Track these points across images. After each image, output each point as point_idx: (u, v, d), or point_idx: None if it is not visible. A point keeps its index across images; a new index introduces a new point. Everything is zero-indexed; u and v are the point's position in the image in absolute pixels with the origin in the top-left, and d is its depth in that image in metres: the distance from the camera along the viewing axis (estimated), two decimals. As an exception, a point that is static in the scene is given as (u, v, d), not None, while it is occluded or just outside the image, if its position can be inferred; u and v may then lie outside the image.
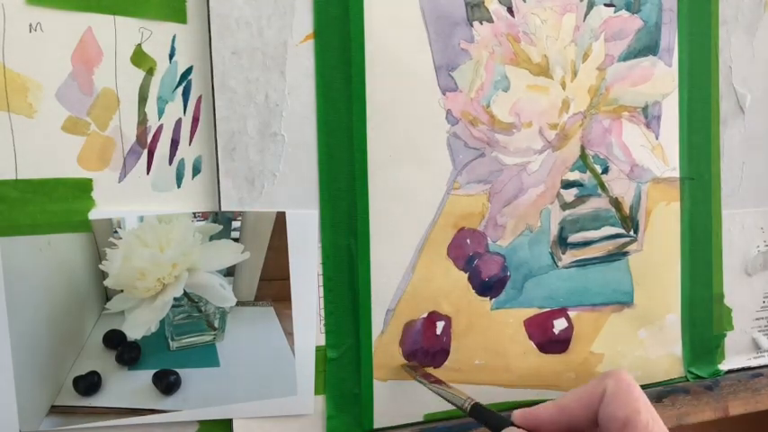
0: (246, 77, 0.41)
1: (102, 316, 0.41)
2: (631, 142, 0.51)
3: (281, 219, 0.43)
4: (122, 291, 0.41)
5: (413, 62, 0.45)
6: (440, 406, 0.48)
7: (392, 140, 0.45)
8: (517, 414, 0.35)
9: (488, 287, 0.48)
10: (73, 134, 0.39)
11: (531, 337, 0.50)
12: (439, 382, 0.44)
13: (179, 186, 0.41)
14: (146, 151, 0.41)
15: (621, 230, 0.51)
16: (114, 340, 0.41)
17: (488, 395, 0.49)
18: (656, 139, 0.52)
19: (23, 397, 0.39)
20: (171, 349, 0.42)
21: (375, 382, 0.46)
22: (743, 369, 0.57)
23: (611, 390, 0.32)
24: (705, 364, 0.55)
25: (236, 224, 0.42)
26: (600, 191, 0.51)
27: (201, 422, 0.43)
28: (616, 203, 0.51)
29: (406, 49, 0.44)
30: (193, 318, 0.43)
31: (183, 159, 0.41)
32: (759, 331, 0.57)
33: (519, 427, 0.35)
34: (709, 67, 0.53)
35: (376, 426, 0.46)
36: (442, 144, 0.46)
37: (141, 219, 0.40)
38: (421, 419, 0.47)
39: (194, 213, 0.42)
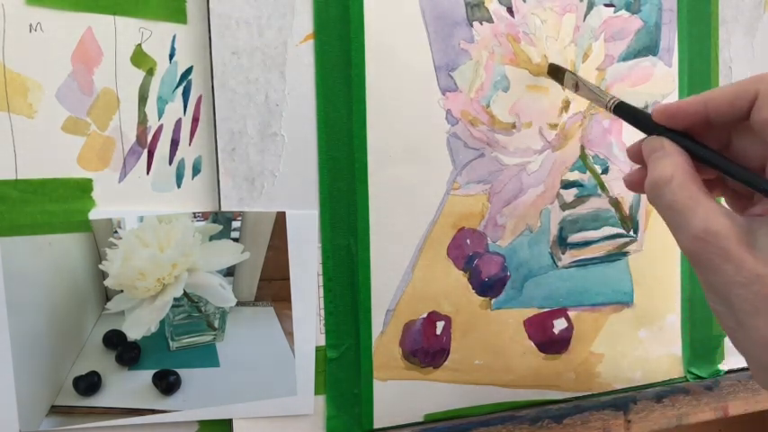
0: (246, 77, 0.41)
1: (102, 316, 0.41)
2: (631, 142, 0.51)
3: (281, 219, 0.43)
4: (122, 291, 0.41)
5: (413, 62, 0.45)
6: (440, 406, 0.48)
7: (392, 140, 0.45)
8: (657, 109, 0.35)
9: (488, 287, 0.48)
10: (73, 134, 0.39)
11: (530, 337, 0.50)
12: (582, 80, 0.44)
13: (179, 186, 0.41)
14: (146, 151, 0.41)
15: (621, 230, 0.51)
16: (114, 340, 0.41)
17: (488, 395, 0.49)
18: (656, 139, 0.52)
19: (23, 397, 0.39)
20: (171, 349, 0.42)
21: (375, 382, 0.46)
22: (743, 369, 0.57)
23: (765, 92, 0.31)
24: (705, 364, 0.55)
25: (236, 224, 0.42)
26: (600, 191, 0.51)
27: (201, 422, 0.43)
28: (616, 203, 0.51)
29: (406, 49, 0.44)
30: (193, 318, 0.43)
31: (183, 159, 0.41)
32: (759, 331, 0.57)
33: (657, 123, 0.35)
34: (709, 67, 0.53)
35: (376, 426, 0.46)
36: (441, 144, 0.46)
37: (141, 219, 0.40)
38: (421, 419, 0.47)
39: (194, 213, 0.42)
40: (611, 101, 0.40)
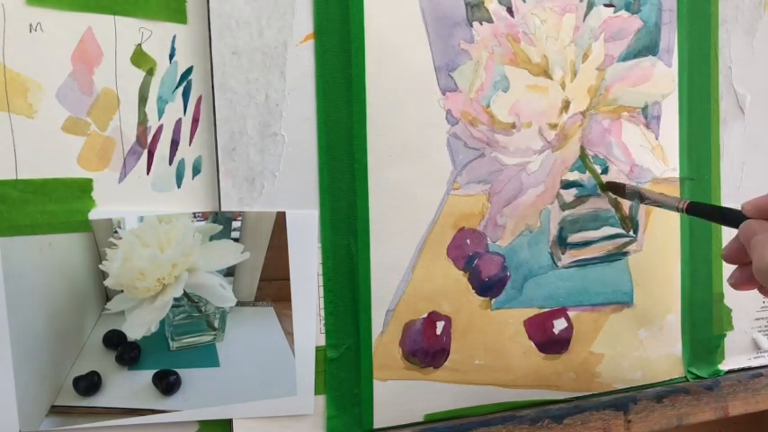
0: (246, 77, 0.41)
1: (102, 316, 0.41)
2: (631, 142, 0.51)
3: (281, 219, 0.43)
4: (122, 291, 0.41)
5: (413, 62, 0.45)
6: (440, 406, 0.48)
7: (392, 140, 0.45)
8: (747, 205, 0.35)
9: (488, 287, 0.48)
10: (73, 134, 0.39)
11: (531, 337, 0.50)
12: (646, 191, 0.45)
13: (179, 186, 0.41)
14: (146, 151, 0.41)
15: (621, 230, 0.51)
16: (114, 340, 0.41)
17: (488, 395, 0.49)
18: (656, 139, 0.52)
19: (23, 397, 0.39)
20: (171, 349, 0.42)
21: (375, 382, 0.46)
22: (743, 369, 0.57)
23: None
24: (705, 364, 0.55)
25: (236, 224, 0.42)
26: (600, 191, 0.51)
27: (201, 422, 0.43)
28: (616, 203, 0.51)
29: (406, 49, 0.44)
30: (193, 318, 0.43)
31: (183, 159, 0.41)
32: (759, 331, 0.57)
33: (750, 216, 0.35)
34: (709, 67, 0.53)
35: (376, 426, 0.46)
36: (441, 144, 0.46)
37: (141, 219, 0.40)
38: (421, 419, 0.47)
39: (194, 213, 0.42)
40: (682, 203, 0.41)
